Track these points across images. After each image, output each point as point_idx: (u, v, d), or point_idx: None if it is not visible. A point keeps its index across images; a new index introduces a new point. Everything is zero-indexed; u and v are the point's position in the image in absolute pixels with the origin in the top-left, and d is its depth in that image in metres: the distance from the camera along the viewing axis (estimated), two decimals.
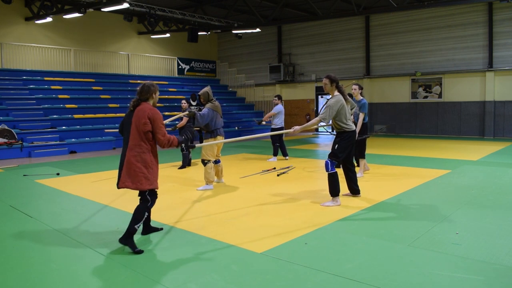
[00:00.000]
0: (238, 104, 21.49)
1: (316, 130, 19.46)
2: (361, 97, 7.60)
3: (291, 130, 5.64)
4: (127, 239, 3.96)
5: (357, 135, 6.78)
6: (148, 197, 4.10)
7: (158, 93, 4.25)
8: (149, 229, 4.52)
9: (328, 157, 5.64)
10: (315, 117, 19.35)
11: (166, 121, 7.48)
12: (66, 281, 3.33)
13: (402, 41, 17.31)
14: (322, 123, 5.66)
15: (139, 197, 4.14)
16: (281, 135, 10.24)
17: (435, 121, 16.77)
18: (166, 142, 4.09)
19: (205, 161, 6.83)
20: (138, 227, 4.01)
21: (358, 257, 3.70)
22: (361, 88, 7.63)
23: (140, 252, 3.90)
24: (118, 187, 4.08)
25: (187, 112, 6.81)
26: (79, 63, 17.49)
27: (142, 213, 4.04)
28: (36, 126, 13.02)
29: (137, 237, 4.33)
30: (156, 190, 4.16)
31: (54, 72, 16.24)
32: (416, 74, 16.89)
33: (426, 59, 16.76)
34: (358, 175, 7.63)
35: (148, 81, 4.27)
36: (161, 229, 4.63)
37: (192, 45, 19.91)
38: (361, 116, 7.48)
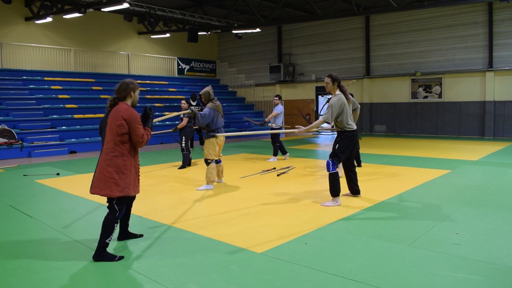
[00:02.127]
0: (238, 104, 21.49)
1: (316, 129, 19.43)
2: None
3: (296, 130, 5.65)
4: (100, 254, 3.70)
5: None
6: (115, 207, 3.78)
7: (138, 91, 3.95)
8: (126, 235, 4.28)
9: (330, 157, 5.64)
10: (315, 117, 19.22)
11: (157, 120, 7.37)
12: (66, 281, 3.33)
13: (402, 41, 17.31)
14: (325, 124, 5.66)
15: (107, 207, 3.84)
16: (278, 134, 10.25)
17: (435, 121, 16.77)
18: (145, 140, 3.82)
19: (208, 161, 6.83)
20: (110, 240, 3.74)
21: (358, 257, 3.70)
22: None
23: (122, 257, 3.74)
24: (90, 192, 3.82)
25: (189, 111, 6.80)
26: (79, 63, 17.48)
27: (111, 225, 3.74)
28: (36, 126, 13.01)
29: (133, 240, 4.33)
30: (125, 198, 3.84)
31: (54, 72, 16.23)
32: (416, 74, 16.89)
33: (426, 59, 16.75)
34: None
35: (127, 79, 3.99)
36: (141, 235, 4.37)
37: (192, 45, 19.91)
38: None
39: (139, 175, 3.99)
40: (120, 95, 3.87)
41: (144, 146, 3.90)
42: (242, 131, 18.10)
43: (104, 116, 4.04)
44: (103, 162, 3.76)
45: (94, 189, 3.79)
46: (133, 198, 4.13)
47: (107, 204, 3.85)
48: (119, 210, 3.81)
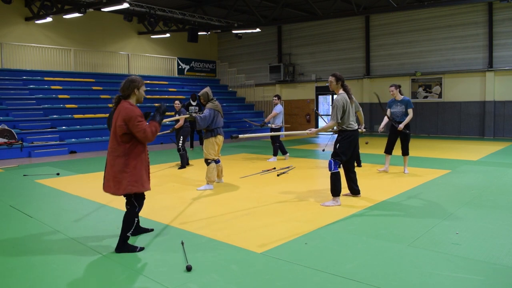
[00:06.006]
0: (238, 104, 21.48)
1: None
2: (402, 96, 7.95)
3: (307, 131, 5.68)
4: (122, 247, 3.89)
5: (401, 130, 7.83)
6: (134, 202, 3.95)
7: (143, 88, 3.97)
8: (139, 230, 4.40)
9: (331, 157, 5.64)
10: (315, 117, 19.19)
11: (166, 121, 7.42)
12: (66, 281, 3.33)
13: (402, 41, 17.31)
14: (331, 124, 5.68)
15: (125, 203, 3.99)
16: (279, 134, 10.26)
17: (435, 121, 16.77)
18: (150, 135, 3.82)
19: (209, 161, 6.83)
20: (131, 233, 3.94)
21: (358, 257, 3.70)
22: (398, 86, 7.93)
23: (142, 249, 3.93)
24: (104, 191, 3.96)
25: (188, 115, 6.80)
26: (79, 63, 17.48)
27: (131, 220, 3.93)
28: (36, 126, 13.01)
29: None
30: (142, 193, 3.99)
31: (54, 72, 16.23)
32: (416, 74, 16.89)
33: (426, 59, 16.75)
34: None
35: (132, 76, 4.02)
36: (152, 230, 4.53)
37: (192, 45, 19.91)
38: (410, 111, 7.86)
39: (149, 172, 4.06)
40: (124, 93, 3.94)
41: (153, 140, 3.94)
42: (242, 131, 18.10)
43: (110, 113, 4.10)
44: (108, 161, 3.90)
45: (104, 188, 3.96)
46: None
47: (126, 200, 3.99)
48: (139, 205, 3.98)
